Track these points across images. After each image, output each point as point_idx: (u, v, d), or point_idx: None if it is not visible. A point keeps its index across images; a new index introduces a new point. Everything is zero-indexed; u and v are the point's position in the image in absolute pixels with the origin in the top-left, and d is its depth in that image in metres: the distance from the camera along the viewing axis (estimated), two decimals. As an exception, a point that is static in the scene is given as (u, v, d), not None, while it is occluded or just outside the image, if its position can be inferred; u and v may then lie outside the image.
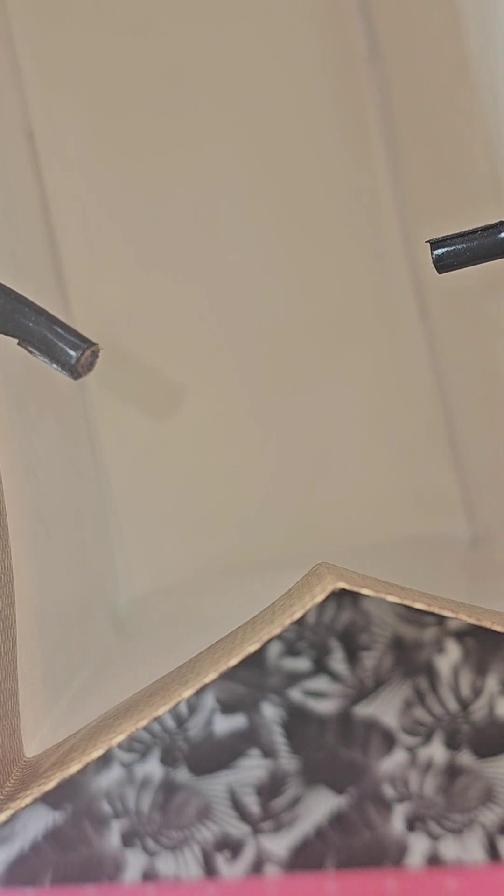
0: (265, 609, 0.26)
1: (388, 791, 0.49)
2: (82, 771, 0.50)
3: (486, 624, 0.25)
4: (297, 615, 0.23)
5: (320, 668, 0.49)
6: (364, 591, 0.23)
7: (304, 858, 0.49)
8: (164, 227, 0.52)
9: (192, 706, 0.49)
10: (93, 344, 0.28)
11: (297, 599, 0.23)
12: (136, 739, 0.50)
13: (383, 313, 0.50)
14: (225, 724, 0.49)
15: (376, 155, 0.50)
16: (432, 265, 0.29)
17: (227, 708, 0.50)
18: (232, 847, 0.49)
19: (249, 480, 0.50)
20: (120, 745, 0.50)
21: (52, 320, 0.27)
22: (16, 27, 0.50)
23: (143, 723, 0.24)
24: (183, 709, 0.49)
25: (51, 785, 0.24)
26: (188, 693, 0.24)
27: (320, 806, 0.49)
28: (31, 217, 0.49)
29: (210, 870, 0.49)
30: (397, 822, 0.49)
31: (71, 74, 0.51)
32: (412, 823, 0.49)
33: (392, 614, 0.49)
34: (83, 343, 0.27)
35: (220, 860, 0.49)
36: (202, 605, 0.40)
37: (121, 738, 0.24)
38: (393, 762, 0.49)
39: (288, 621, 0.23)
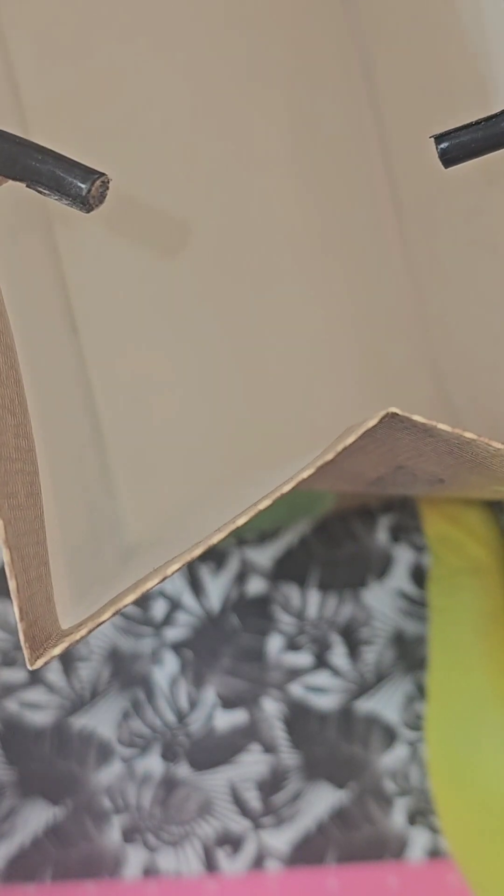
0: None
1: (389, 785, 0.49)
2: (82, 766, 0.50)
3: None
4: (350, 441, 0.24)
5: (321, 662, 0.50)
6: (416, 417, 0.24)
7: (306, 853, 0.49)
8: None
9: (193, 701, 0.50)
10: (102, 174, 0.27)
11: (351, 433, 0.24)
12: (137, 734, 0.50)
13: (363, 232, 0.47)
14: (226, 720, 0.50)
15: (354, 74, 0.47)
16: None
17: (228, 703, 0.50)
18: (233, 842, 0.49)
19: (247, 390, 0.46)
20: (120, 740, 0.50)
21: (57, 157, 0.27)
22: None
23: (195, 554, 0.23)
24: (183, 704, 0.50)
25: (106, 617, 0.23)
26: (242, 520, 0.24)
27: (321, 801, 0.49)
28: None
29: (211, 865, 0.49)
30: (398, 816, 0.49)
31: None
32: (413, 817, 0.49)
33: (394, 608, 0.50)
34: (92, 173, 0.27)
35: (221, 855, 0.49)
36: (209, 519, 0.38)
37: (155, 581, 0.23)
38: (394, 757, 0.49)
39: (341, 446, 0.24)
